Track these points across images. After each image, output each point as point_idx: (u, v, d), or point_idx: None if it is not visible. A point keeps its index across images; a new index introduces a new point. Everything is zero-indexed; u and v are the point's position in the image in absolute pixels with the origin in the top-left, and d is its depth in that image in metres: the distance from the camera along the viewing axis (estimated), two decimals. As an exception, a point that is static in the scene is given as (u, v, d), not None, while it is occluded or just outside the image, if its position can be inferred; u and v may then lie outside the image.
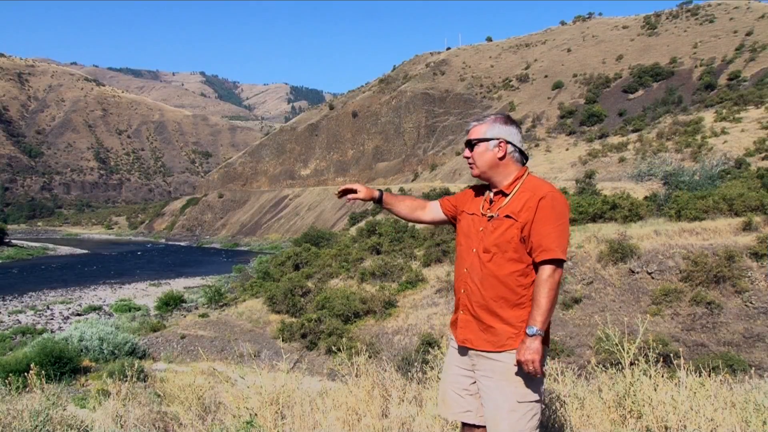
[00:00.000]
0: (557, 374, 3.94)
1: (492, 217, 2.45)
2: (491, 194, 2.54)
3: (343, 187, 2.83)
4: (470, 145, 2.55)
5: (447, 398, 2.59)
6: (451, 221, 2.78)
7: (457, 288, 2.58)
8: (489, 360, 2.44)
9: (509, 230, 2.38)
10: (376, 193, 2.81)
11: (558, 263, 2.32)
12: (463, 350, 2.55)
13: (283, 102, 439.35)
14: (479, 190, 2.66)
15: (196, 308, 33.65)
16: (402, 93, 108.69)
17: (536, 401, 2.42)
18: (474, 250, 2.48)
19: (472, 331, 2.48)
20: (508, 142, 2.50)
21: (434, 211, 2.83)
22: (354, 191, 2.82)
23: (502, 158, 2.49)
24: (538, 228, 2.33)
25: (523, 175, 2.50)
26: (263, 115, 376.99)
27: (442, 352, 4.60)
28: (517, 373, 2.38)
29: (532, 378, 2.39)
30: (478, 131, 2.53)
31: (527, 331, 2.32)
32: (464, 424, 2.59)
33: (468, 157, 2.56)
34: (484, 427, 2.54)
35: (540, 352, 2.29)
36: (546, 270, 2.32)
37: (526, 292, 2.39)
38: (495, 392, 2.40)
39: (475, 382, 2.53)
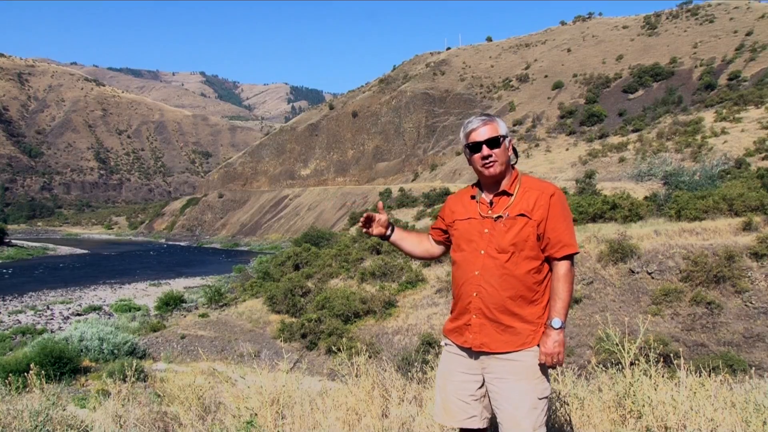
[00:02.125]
0: (557, 374, 3.95)
1: (500, 217, 2.43)
2: (488, 196, 2.51)
3: (366, 215, 2.73)
4: (492, 142, 2.46)
5: (451, 406, 2.52)
6: (446, 243, 2.73)
7: (465, 292, 2.48)
8: (506, 361, 2.42)
9: (525, 228, 2.39)
10: (388, 232, 2.76)
11: (573, 257, 2.43)
12: (471, 354, 2.50)
13: (283, 102, 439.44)
14: (462, 196, 2.62)
15: (196, 308, 33.64)
16: (402, 93, 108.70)
17: (550, 395, 2.48)
18: (483, 251, 2.43)
19: (488, 334, 2.43)
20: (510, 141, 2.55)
21: (436, 244, 2.80)
22: (370, 224, 2.73)
23: (509, 157, 2.53)
24: (554, 225, 2.39)
25: (518, 174, 2.52)
26: (263, 115, 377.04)
27: (442, 352, 4.60)
28: (535, 371, 2.41)
29: (546, 373, 2.44)
30: (496, 128, 2.48)
31: (554, 324, 2.38)
32: (463, 429, 2.56)
33: (489, 155, 2.45)
34: (485, 429, 2.54)
35: (564, 344, 2.39)
36: (565, 265, 2.41)
37: (540, 288, 2.44)
38: (513, 392, 2.39)
39: (482, 386, 2.49)
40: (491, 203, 2.49)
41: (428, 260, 2.94)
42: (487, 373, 2.46)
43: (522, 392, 2.38)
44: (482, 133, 2.46)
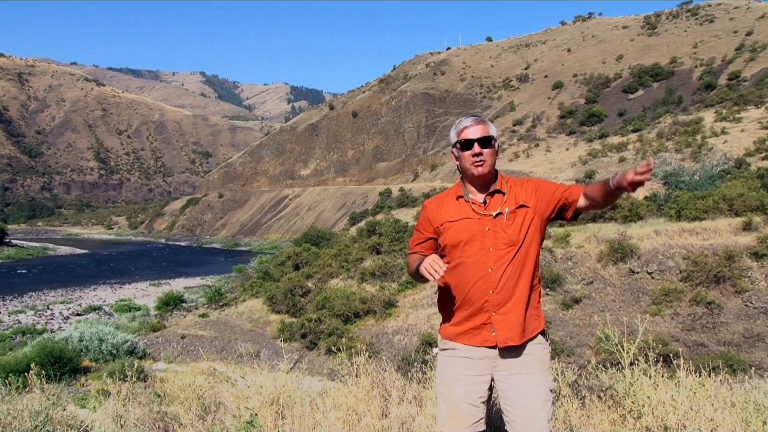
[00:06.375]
0: (557, 374, 3.93)
1: (500, 213, 2.44)
2: (479, 196, 2.50)
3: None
4: (484, 141, 2.46)
5: (459, 412, 2.45)
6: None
7: (478, 292, 2.43)
8: (518, 356, 2.44)
9: (527, 217, 2.46)
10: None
11: None
12: (480, 354, 2.46)
13: (283, 102, 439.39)
14: (445, 198, 2.58)
15: (196, 308, 33.65)
16: (402, 93, 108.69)
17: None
18: (491, 249, 2.42)
19: (511, 327, 2.42)
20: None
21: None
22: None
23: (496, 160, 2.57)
24: (549, 188, 2.50)
25: (502, 175, 2.57)
26: (263, 115, 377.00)
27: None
28: (544, 363, 2.47)
29: (550, 365, 2.52)
30: (487, 129, 2.49)
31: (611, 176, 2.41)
32: None
33: (480, 153, 2.45)
34: (485, 430, 2.54)
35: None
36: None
37: (537, 273, 2.52)
38: (527, 387, 2.41)
39: (491, 386, 2.49)
40: (485, 202, 2.49)
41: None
42: (497, 371, 2.46)
43: (536, 385, 2.41)
44: (475, 132, 2.48)
